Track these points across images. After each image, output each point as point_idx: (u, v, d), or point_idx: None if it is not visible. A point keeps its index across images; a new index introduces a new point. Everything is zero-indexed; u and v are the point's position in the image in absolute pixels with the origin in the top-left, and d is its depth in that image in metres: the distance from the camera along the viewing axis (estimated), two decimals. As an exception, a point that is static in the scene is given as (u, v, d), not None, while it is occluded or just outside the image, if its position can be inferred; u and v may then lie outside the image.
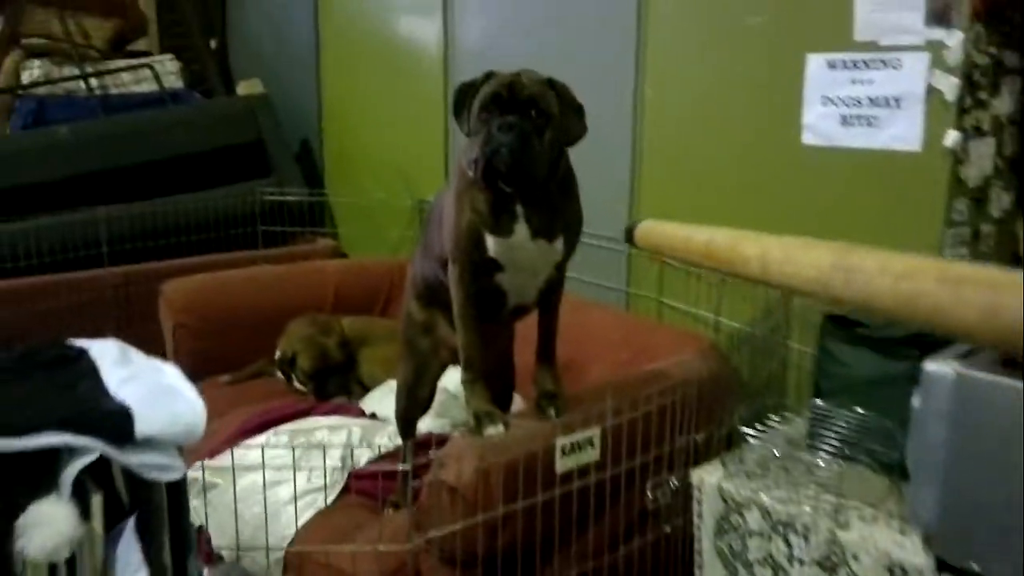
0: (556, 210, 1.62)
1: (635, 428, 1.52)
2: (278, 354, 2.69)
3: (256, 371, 2.73)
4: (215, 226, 3.22)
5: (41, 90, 3.65)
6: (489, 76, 1.61)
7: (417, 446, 2.23)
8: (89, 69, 3.72)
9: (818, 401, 1.53)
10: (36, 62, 3.68)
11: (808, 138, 2.02)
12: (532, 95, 1.55)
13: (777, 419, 1.70)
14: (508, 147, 1.50)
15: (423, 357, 1.90)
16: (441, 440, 2.27)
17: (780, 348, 2.02)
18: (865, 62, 1.88)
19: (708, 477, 1.48)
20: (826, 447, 1.48)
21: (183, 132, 3.35)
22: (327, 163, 3.73)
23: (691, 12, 2.27)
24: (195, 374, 2.73)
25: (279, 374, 2.71)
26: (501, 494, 1.52)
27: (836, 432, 1.47)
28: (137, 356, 1.31)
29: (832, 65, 1.94)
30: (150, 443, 1.08)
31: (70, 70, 3.70)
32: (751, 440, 1.52)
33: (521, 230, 1.60)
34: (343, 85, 3.57)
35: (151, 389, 1.16)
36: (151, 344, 2.83)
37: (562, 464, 1.42)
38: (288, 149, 3.64)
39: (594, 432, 1.45)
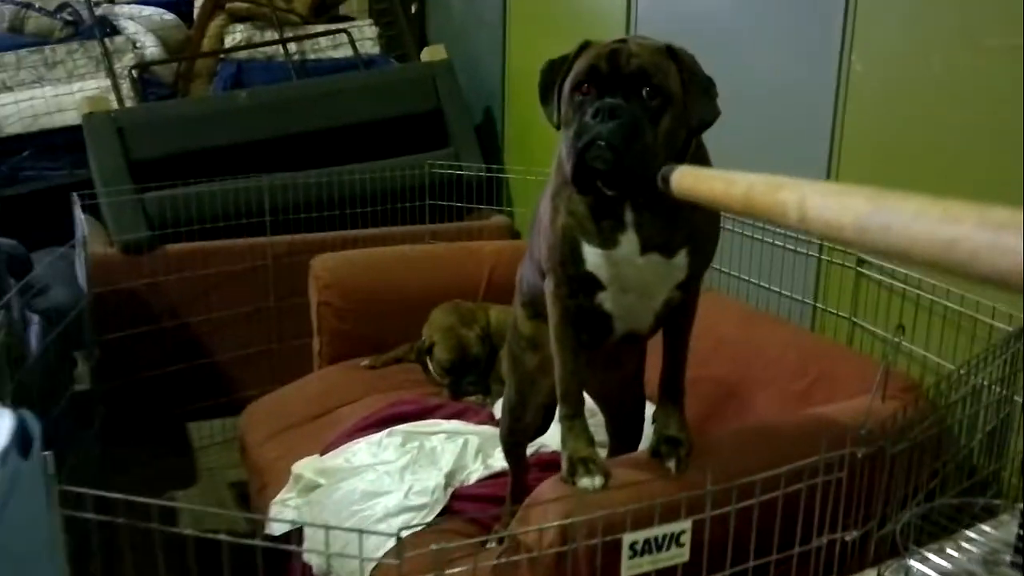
0: (678, 215, 1.25)
1: (749, 517, 1.14)
2: (420, 341, 2.50)
3: (397, 356, 2.57)
4: (383, 198, 3.09)
5: (242, 54, 3.71)
6: (585, 47, 1.25)
7: (540, 467, 1.95)
8: (289, 34, 3.73)
9: (1030, 508, 1.07)
10: (239, 27, 3.74)
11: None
12: (642, 67, 1.18)
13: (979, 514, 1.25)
14: (608, 139, 1.15)
15: (529, 376, 1.61)
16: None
17: (1005, 405, 1.52)
18: None
19: (853, 596, 1.08)
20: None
21: (358, 99, 3.23)
22: (507, 135, 3.49)
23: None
24: (338, 354, 2.67)
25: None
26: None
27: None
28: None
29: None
30: None
31: (271, 35, 3.72)
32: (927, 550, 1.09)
33: (628, 241, 1.25)
34: (528, 51, 3.30)
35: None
36: (306, 318, 2.78)
37: (630, 567, 1.07)
38: (469, 119, 3.43)
39: (682, 526, 1.08)
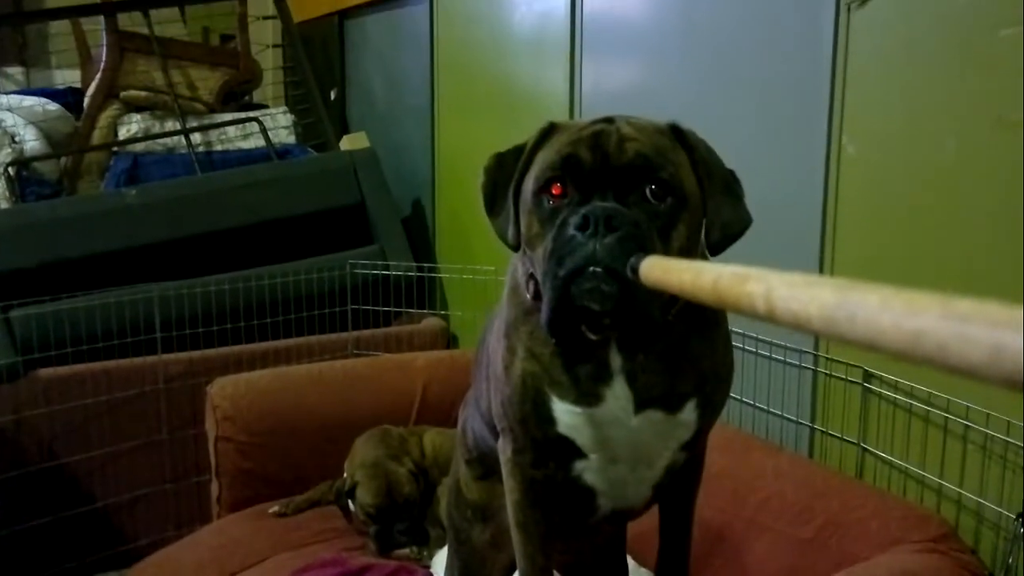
0: (684, 355, 0.91)
1: None
2: (340, 480, 2.09)
3: (312, 499, 2.14)
4: (297, 305, 2.70)
5: (139, 147, 3.32)
6: (550, 131, 0.91)
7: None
8: (194, 123, 3.37)
9: None
10: (135, 116, 3.36)
11: None
12: (642, 154, 0.84)
13: None
14: (608, 263, 0.79)
15: (478, 556, 1.22)
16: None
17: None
18: None
19: None
20: None
21: (270, 193, 2.87)
22: (439, 229, 3.16)
23: (911, 29, 1.51)
24: (240, 499, 2.22)
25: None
26: None
27: None
28: None
29: None
30: None
31: (173, 125, 3.36)
32: None
33: (617, 396, 0.90)
34: (460, 137, 3.01)
35: None
36: (207, 452, 2.35)
37: None
38: (395, 212, 3.09)
39: None
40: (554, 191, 0.86)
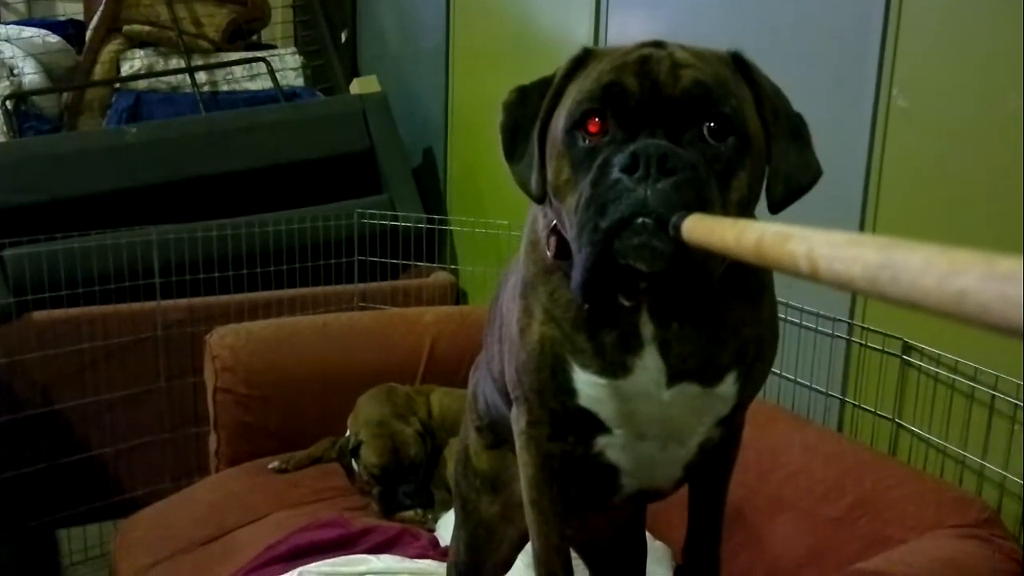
0: (724, 323, 0.80)
1: None
2: (344, 438, 2.00)
3: (314, 456, 2.06)
4: (302, 254, 2.60)
5: (142, 84, 3.20)
6: (584, 58, 0.78)
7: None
8: (198, 62, 3.24)
9: None
10: (139, 52, 3.24)
11: None
12: (701, 83, 0.71)
13: None
14: (661, 214, 0.67)
15: (485, 528, 1.13)
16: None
17: None
18: None
19: None
20: None
21: (276, 137, 2.76)
22: (451, 180, 3.04)
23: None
24: (239, 454, 2.14)
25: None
26: None
27: None
28: None
29: None
30: None
31: (177, 63, 3.23)
32: None
33: (647, 367, 0.80)
34: (475, 84, 2.87)
35: None
36: (205, 402, 2.27)
37: None
38: (406, 161, 2.98)
39: None
40: (591, 128, 0.73)
